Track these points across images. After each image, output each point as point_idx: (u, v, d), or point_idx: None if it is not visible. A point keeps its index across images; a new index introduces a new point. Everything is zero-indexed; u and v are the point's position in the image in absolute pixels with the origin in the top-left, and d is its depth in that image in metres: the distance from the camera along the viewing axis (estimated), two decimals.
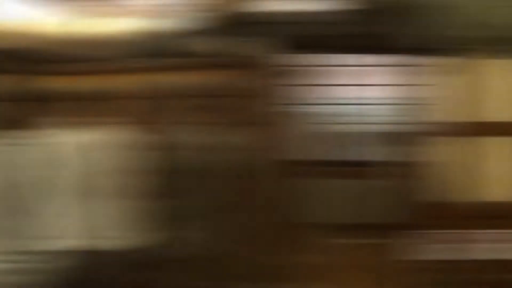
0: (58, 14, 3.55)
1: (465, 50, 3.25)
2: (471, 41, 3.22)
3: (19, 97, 2.46)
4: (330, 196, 5.47)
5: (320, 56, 7.05)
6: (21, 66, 3.20)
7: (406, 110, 5.37)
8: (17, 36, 3.04)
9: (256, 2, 3.30)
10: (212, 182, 2.92)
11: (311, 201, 5.44)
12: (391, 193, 4.79)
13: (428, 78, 4.72)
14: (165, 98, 2.95)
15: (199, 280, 2.99)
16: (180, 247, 2.72)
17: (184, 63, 2.95)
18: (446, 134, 3.53)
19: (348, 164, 5.96)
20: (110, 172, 2.74)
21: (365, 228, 5.13)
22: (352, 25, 3.31)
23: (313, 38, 3.40)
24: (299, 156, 5.38)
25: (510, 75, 3.32)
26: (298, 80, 5.11)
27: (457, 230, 3.24)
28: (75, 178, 2.70)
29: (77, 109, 3.11)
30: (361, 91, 6.76)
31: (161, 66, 2.98)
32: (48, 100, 2.54)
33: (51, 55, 3.28)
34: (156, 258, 2.78)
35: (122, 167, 2.73)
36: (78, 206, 2.69)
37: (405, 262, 3.14)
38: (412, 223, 3.64)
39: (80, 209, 2.69)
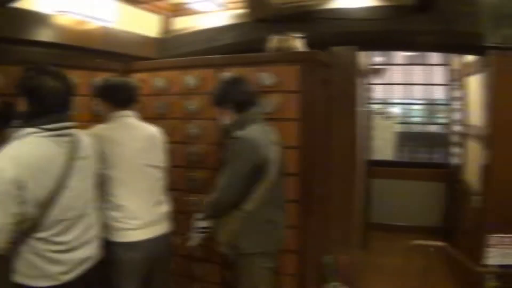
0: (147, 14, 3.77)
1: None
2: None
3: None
4: (401, 197, 5.46)
5: (384, 53, 7.04)
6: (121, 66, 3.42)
7: (453, 111, 5.33)
8: (112, 38, 3.19)
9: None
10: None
11: (384, 202, 5.44)
12: (455, 195, 4.72)
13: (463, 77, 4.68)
14: None
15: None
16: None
17: (257, 57, 3.00)
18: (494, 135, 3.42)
19: (417, 165, 5.91)
20: None
21: (433, 231, 5.07)
22: (410, 22, 3.28)
23: (375, 35, 3.38)
24: (373, 156, 5.38)
25: None
26: (368, 79, 5.12)
27: None
28: None
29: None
30: (425, 91, 6.74)
31: (238, 60, 3.04)
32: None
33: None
34: None
35: None
36: None
37: (471, 265, 3.05)
38: (476, 227, 3.59)
39: None
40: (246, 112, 2.42)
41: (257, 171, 2.33)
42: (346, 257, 3.26)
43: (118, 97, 2.45)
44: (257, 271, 2.50)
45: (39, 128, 1.77)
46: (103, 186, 2.33)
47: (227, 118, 2.46)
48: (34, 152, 1.72)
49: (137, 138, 2.46)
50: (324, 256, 3.24)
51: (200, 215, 2.67)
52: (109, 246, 2.34)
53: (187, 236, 2.73)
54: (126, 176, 2.37)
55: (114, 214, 2.34)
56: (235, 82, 2.46)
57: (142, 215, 2.40)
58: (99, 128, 2.42)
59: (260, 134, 2.39)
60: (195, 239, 2.69)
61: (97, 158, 2.21)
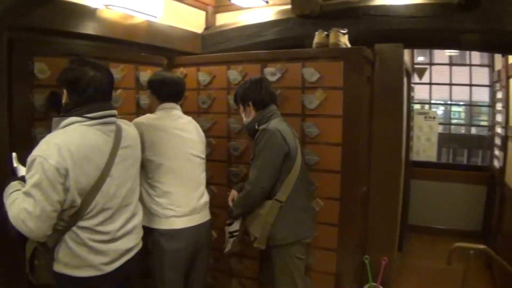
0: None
1: None
2: None
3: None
4: (440, 199, 5.35)
5: (425, 53, 6.90)
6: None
7: (495, 113, 5.16)
8: (157, 32, 3.24)
9: None
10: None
11: (422, 203, 5.34)
12: (496, 198, 4.57)
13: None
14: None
15: None
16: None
17: (302, 53, 2.98)
18: None
19: (458, 167, 5.78)
20: None
21: (471, 234, 4.94)
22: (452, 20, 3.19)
23: (420, 33, 3.30)
24: (413, 157, 5.29)
25: None
26: (410, 78, 5.02)
27: None
28: None
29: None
30: (467, 92, 6.58)
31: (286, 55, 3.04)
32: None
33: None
34: None
35: None
36: None
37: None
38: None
39: None
40: (265, 109, 2.58)
41: (286, 160, 2.46)
42: (385, 258, 3.20)
43: (166, 91, 2.54)
44: (293, 262, 2.56)
45: (83, 117, 1.79)
46: (149, 173, 2.39)
47: (248, 115, 2.64)
48: (78, 141, 1.73)
49: (183, 129, 2.54)
50: (363, 256, 3.19)
51: (228, 220, 2.72)
52: (152, 235, 2.39)
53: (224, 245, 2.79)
54: (174, 164, 2.43)
55: (160, 200, 2.38)
56: (254, 83, 2.61)
57: (187, 203, 2.45)
58: (147, 117, 2.51)
59: (283, 127, 2.52)
60: (228, 245, 2.75)
61: (143, 147, 2.27)
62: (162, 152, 2.39)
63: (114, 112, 1.91)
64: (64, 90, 1.87)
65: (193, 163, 2.53)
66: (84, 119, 1.78)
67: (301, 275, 2.62)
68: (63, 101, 1.89)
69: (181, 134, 2.49)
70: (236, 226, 2.70)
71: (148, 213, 2.37)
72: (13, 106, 2.28)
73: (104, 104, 1.86)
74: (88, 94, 1.80)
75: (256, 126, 2.54)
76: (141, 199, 2.32)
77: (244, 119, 2.69)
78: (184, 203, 2.43)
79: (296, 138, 2.59)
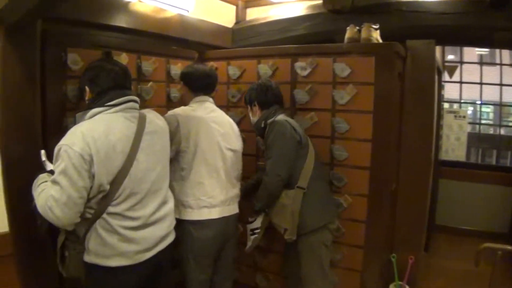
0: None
1: None
2: None
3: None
4: (467, 200, 5.26)
5: (455, 51, 6.78)
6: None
7: None
8: (188, 26, 3.26)
9: None
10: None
11: (450, 203, 5.26)
12: None
13: None
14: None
15: None
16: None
17: (332, 48, 2.96)
18: None
19: (486, 168, 5.67)
20: None
21: (499, 236, 4.84)
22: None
23: (451, 29, 3.24)
24: (441, 156, 5.21)
25: None
26: (440, 76, 4.95)
27: None
28: None
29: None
30: (497, 92, 6.44)
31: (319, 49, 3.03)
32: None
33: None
34: None
35: None
36: None
37: None
38: None
39: None
40: (269, 109, 2.71)
41: (299, 148, 2.57)
42: (412, 257, 3.17)
43: (199, 83, 2.59)
44: (321, 249, 2.62)
45: (104, 106, 1.83)
46: (183, 164, 2.42)
47: (254, 115, 2.77)
48: (101, 127, 1.76)
49: (217, 121, 2.57)
50: (390, 254, 3.16)
51: (250, 218, 2.78)
52: (182, 225, 2.41)
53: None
54: (208, 155, 2.46)
55: (193, 191, 2.42)
56: (260, 85, 2.76)
57: (218, 194, 2.48)
58: (183, 109, 2.55)
59: (290, 119, 2.67)
60: (249, 242, 2.79)
61: (179, 138, 2.34)
62: (197, 143, 2.42)
63: (135, 97, 1.95)
64: (86, 87, 1.93)
65: (226, 156, 2.55)
66: (107, 107, 1.83)
67: (327, 266, 2.67)
68: (86, 97, 1.95)
69: (216, 126, 2.53)
70: (257, 223, 2.75)
71: (180, 205, 2.41)
72: (46, 97, 2.33)
73: (123, 91, 1.90)
74: (107, 84, 1.87)
75: (263, 124, 2.67)
76: (173, 193, 2.37)
77: (252, 118, 2.81)
78: (216, 194, 2.46)
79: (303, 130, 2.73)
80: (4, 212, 2.16)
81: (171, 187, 2.37)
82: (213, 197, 2.45)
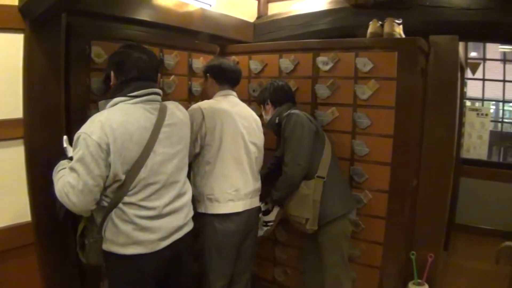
0: None
1: None
2: None
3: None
4: (489, 199, 5.18)
5: (477, 48, 6.67)
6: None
7: None
8: (210, 20, 3.27)
9: None
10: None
11: (471, 202, 5.19)
12: None
13: None
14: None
15: None
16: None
17: (355, 43, 2.95)
18: None
19: (509, 167, 5.57)
20: None
21: None
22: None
23: (475, 25, 3.19)
24: (462, 154, 5.14)
25: None
26: (463, 73, 4.88)
27: None
28: None
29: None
30: None
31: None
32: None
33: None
34: None
35: None
36: None
37: None
38: None
39: None
40: (282, 106, 2.80)
41: (316, 138, 2.63)
42: (431, 254, 3.14)
43: (227, 75, 2.61)
44: (342, 239, 2.66)
45: (127, 96, 1.84)
46: (208, 158, 2.43)
47: (267, 113, 2.86)
48: (120, 117, 1.77)
49: (242, 115, 2.58)
50: (409, 251, 3.14)
51: (263, 207, 2.80)
52: (205, 218, 2.44)
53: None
54: (233, 148, 2.48)
55: (218, 184, 2.43)
56: (272, 84, 2.87)
57: (243, 187, 2.50)
58: (208, 102, 2.55)
59: (304, 112, 2.73)
60: (260, 232, 2.82)
61: (204, 131, 2.36)
62: (223, 137, 2.43)
63: (158, 90, 1.95)
64: (112, 72, 1.95)
65: (249, 149, 2.57)
66: (128, 98, 1.85)
67: (347, 258, 2.72)
68: (111, 82, 1.97)
69: (240, 120, 2.54)
70: (272, 216, 2.79)
71: (206, 200, 2.43)
72: (70, 89, 2.37)
73: (148, 83, 1.91)
74: (132, 74, 1.87)
75: (277, 120, 2.74)
76: (197, 188, 2.42)
77: (265, 117, 2.88)
78: (241, 187, 2.48)
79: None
80: (27, 202, 2.21)
81: (196, 182, 2.39)
82: (238, 190, 2.47)
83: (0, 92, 2.08)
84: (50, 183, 1.85)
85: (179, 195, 2.01)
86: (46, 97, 2.22)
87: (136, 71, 1.87)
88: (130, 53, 1.90)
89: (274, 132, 2.84)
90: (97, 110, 1.95)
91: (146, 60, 1.91)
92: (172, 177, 1.96)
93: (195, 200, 2.43)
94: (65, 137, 2.01)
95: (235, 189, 2.45)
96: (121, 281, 1.89)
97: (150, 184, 1.85)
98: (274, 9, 3.91)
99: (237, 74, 2.68)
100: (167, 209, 1.93)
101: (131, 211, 1.81)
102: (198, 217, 2.40)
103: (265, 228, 2.80)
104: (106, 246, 1.85)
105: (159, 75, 2.05)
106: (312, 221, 2.55)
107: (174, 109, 2.06)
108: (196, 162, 2.46)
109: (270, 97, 2.83)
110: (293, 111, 2.68)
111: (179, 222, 2.00)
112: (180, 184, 2.03)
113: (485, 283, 3.80)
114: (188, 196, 2.10)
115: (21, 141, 2.16)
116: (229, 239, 2.47)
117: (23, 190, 2.19)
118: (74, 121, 2.33)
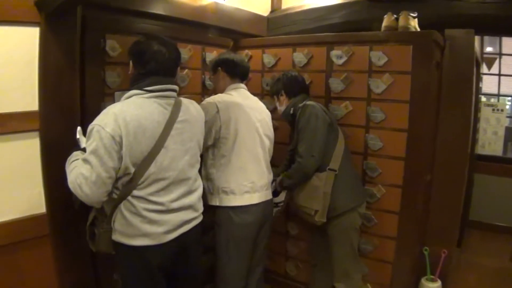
0: None
1: None
2: None
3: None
4: (504, 196, 5.11)
5: (493, 43, 6.58)
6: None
7: None
8: (223, 14, 3.27)
9: None
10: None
11: (485, 199, 5.13)
12: None
13: None
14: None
15: None
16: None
17: (369, 36, 2.92)
18: None
19: None
20: None
21: None
22: None
23: (491, 19, 3.14)
24: (477, 150, 5.08)
25: None
26: (479, 68, 4.82)
27: None
28: None
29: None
30: None
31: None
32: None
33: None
34: None
35: None
36: None
37: None
38: None
39: None
40: (296, 97, 2.80)
41: (330, 130, 2.64)
42: (445, 250, 3.11)
43: (240, 69, 2.63)
44: (352, 232, 2.68)
45: (142, 90, 1.85)
46: (224, 152, 2.44)
47: (282, 104, 2.85)
48: (134, 111, 1.78)
49: (254, 107, 2.60)
50: (422, 247, 3.12)
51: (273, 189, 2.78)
52: (220, 211, 2.46)
53: None
54: (248, 140, 2.49)
55: (234, 177, 2.44)
56: (285, 75, 2.86)
57: (258, 180, 2.52)
58: (221, 96, 2.55)
59: (320, 104, 2.74)
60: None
61: (219, 125, 2.37)
62: (238, 130, 2.44)
63: (174, 87, 1.95)
64: (130, 62, 1.95)
65: (264, 142, 2.59)
66: (143, 92, 1.85)
67: (357, 251, 2.76)
68: (129, 72, 1.98)
69: (253, 112, 2.55)
70: (281, 197, 2.82)
71: (221, 192, 2.44)
72: (85, 82, 2.38)
73: (165, 79, 1.91)
74: (150, 67, 1.87)
75: (291, 111, 2.74)
76: (212, 181, 2.42)
77: (279, 108, 2.88)
78: (256, 179, 2.50)
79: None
80: (42, 194, 2.23)
81: (210, 174, 2.40)
82: (254, 182, 2.48)
83: (16, 85, 2.10)
84: (65, 176, 1.86)
85: (189, 192, 2.02)
86: (61, 90, 2.24)
87: (154, 64, 1.87)
88: (150, 45, 1.89)
89: (289, 123, 2.84)
90: (112, 103, 1.96)
91: (166, 54, 1.90)
92: (182, 173, 1.97)
93: (207, 193, 2.44)
94: (79, 128, 2.03)
95: (251, 182, 2.47)
96: (130, 272, 1.92)
97: (159, 180, 1.86)
98: (287, 3, 3.90)
99: (247, 68, 2.71)
100: (175, 204, 1.94)
101: (140, 205, 1.83)
102: (212, 210, 2.41)
103: (276, 209, 2.81)
104: (116, 237, 1.87)
105: (178, 68, 2.03)
106: (321, 213, 2.56)
107: (189, 105, 2.06)
108: (210, 155, 2.47)
109: (284, 88, 2.83)
110: (308, 102, 2.68)
111: (188, 216, 2.01)
112: (191, 181, 2.04)
113: (499, 280, 3.76)
114: (198, 193, 2.11)
115: (36, 133, 2.19)
116: (246, 231, 2.48)
117: (38, 182, 2.22)
118: (89, 114, 2.32)
